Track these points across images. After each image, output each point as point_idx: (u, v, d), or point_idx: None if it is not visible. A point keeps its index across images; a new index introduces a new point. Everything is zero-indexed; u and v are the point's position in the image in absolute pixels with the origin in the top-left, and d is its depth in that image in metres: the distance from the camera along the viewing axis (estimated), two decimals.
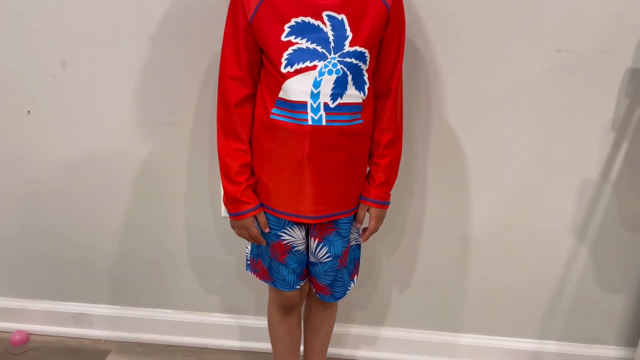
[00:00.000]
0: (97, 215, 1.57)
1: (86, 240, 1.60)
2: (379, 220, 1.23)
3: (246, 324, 1.64)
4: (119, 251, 1.60)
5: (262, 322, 1.61)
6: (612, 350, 1.56)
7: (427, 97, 1.35)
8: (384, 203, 1.22)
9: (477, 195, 1.44)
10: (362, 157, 1.19)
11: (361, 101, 1.12)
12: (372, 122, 1.17)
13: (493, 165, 1.40)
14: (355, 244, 1.28)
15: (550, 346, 1.57)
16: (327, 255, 1.20)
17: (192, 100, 1.41)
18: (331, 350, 1.50)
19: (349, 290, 1.29)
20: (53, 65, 1.42)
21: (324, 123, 1.09)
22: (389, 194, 1.22)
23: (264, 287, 1.56)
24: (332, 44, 1.06)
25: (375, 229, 1.24)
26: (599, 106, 1.33)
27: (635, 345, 1.53)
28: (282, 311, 1.34)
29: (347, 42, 1.07)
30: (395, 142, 1.20)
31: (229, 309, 1.64)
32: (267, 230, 1.19)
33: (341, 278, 1.26)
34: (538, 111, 1.34)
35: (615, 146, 1.36)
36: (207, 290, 1.63)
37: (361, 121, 1.13)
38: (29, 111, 1.47)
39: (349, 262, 1.26)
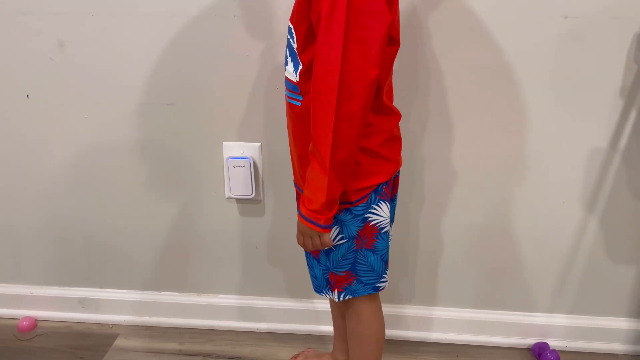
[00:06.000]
0: (101, 199, 1.56)
1: (90, 225, 1.59)
2: (301, 233, 1.01)
3: (254, 304, 1.64)
4: (124, 235, 1.59)
5: (270, 303, 1.62)
6: (623, 322, 1.54)
7: (428, 68, 1.33)
8: (303, 217, 0.98)
9: (483, 167, 1.42)
10: (303, 144, 1.02)
11: (295, 82, 1.01)
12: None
13: (498, 135, 1.38)
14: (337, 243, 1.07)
15: (560, 319, 1.55)
16: None
17: (192, 80, 1.39)
18: None
19: (323, 294, 1.13)
20: (50, 47, 1.40)
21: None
22: (314, 213, 0.96)
23: (274, 268, 1.57)
24: None
25: (298, 242, 1.04)
26: (606, 73, 1.30)
27: None
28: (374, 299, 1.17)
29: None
30: (310, 154, 0.95)
31: (236, 290, 1.63)
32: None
33: (311, 266, 1.14)
34: (544, 79, 1.31)
35: (624, 114, 1.33)
36: (214, 272, 1.62)
37: (299, 104, 1.02)
38: (28, 95, 1.45)
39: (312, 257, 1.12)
